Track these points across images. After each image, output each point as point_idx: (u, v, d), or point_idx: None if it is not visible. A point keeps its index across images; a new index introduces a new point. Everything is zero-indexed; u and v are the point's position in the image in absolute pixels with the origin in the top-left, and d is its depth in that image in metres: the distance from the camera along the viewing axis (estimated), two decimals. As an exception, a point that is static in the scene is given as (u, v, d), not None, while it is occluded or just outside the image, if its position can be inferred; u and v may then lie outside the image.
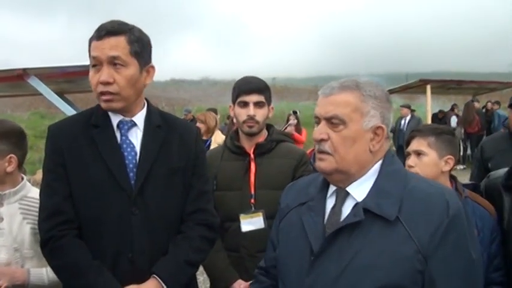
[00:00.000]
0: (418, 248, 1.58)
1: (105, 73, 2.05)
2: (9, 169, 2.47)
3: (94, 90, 2.11)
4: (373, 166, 1.75)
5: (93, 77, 2.08)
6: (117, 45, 2.05)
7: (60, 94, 8.58)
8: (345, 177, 1.74)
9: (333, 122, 1.70)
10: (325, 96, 1.74)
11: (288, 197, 2.00)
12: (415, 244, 1.58)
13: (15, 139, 2.51)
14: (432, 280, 1.59)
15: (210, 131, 7.37)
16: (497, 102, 16.45)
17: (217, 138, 7.41)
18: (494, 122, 15.29)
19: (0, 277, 2.31)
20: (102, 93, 2.07)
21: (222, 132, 8.51)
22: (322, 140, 1.72)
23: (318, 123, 1.76)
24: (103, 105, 2.12)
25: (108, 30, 2.05)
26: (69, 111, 7.26)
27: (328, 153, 1.72)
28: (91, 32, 2.14)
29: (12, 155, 2.47)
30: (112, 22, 2.10)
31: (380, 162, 1.76)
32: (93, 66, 2.08)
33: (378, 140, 1.72)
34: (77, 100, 11.38)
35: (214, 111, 11.14)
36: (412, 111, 16.02)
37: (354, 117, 1.69)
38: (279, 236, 1.95)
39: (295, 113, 9.35)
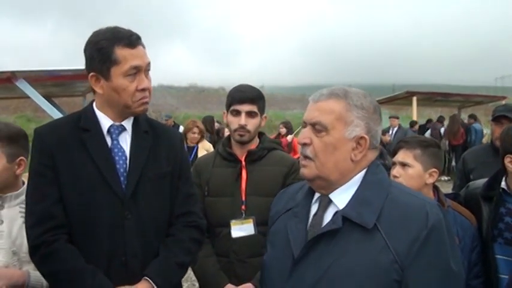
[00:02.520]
0: (395, 258, 1.59)
1: (146, 81, 2.13)
2: (18, 172, 2.47)
3: (129, 97, 2.12)
4: (356, 175, 1.76)
5: (130, 85, 2.10)
6: (146, 53, 2.15)
7: (48, 98, 8.55)
8: (326, 183, 1.76)
9: (317, 127, 1.74)
10: (314, 102, 1.78)
11: (277, 204, 2.04)
12: (392, 254, 1.59)
13: (23, 141, 2.52)
14: None
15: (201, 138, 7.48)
16: (473, 117, 16.51)
17: (205, 145, 7.55)
18: (471, 136, 15.40)
19: None
20: (143, 98, 2.14)
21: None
22: (305, 144, 1.76)
23: (305, 127, 1.80)
24: (140, 108, 2.17)
25: (139, 38, 2.12)
26: (57, 115, 7.23)
27: (309, 159, 1.75)
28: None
29: (22, 158, 2.47)
30: (129, 30, 2.14)
31: (364, 171, 1.78)
32: (130, 75, 2.09)
33: (361, 150, 1.73)
34: (63, 104, 11.33)
35: (211, 118, 11.18)
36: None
37: (336, 125, 1.72)
38: (267, 242, 1.99)
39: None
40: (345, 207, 1.71)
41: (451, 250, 1.66)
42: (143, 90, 2.12)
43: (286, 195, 2.03)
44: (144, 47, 2.16)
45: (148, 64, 2.15)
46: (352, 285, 1.61)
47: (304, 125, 1.81)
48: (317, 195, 1.83)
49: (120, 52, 2.06)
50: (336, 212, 1.72)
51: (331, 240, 1.67)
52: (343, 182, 1.76)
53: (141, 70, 2.11)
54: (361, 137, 1.73)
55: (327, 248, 1.67)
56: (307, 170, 1.77)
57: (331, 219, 1.71)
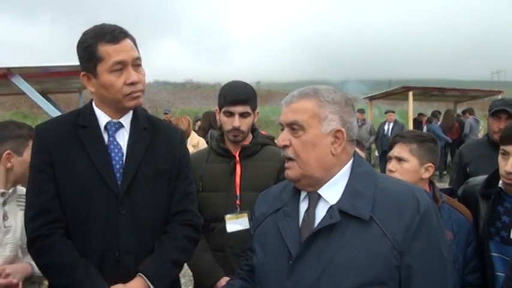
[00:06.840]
0: (393, 245, 1.65)
1: (134, 74, 2.10)
2: None
3: (117, 92, 2.11)
4: (341, 168, 1.81)
5: (117, 80, 2.09)
6: (133, 47, 2.12)
7: (44, 94, 8.51)
8: (312, 181, 1.80)
9: (293, 128, 1.79)
10: (287, 104, 1.83)
11: (262, 205, 2.06)
12: (390, 241, 1.65)
13: None
14: (408, 274, 1.66)
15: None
16: (468, 111, 16.51)
17: (193, 141, 7.55)
18: (466, 131, 15.40)
19: (15, 275, 2.40)
20: (132, 92, 2.12)
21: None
22: (285, 146, 1.81)
23: (283, 130, 1.84)
24: (132, 103, 2.15)
25: (123, 32, 2.09)
26: (53, 112, 7.19)
27: (292, 160, 1.79)
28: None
29: None
30: (114, 25, 2.12)
31: (349, 164, 1.83)
32: (115, 70, 2.08)
33: (339, 143, 1.78)
34: (59, 100, 11.29)
35: (213, 114, 11.13)
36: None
37: (312, 123, 1.76)
38: (254, 244, 1.99)
39: None
40: (339, 200, 1.75)
41: (441, 234, 1.75)
42: (132, 84, 2.11)
43: (270, 196, 2.05)
44: (133, 40, 2.15)
45: (137, 59, 2.12)
46: (355, 275, 1.65)
47: (282, 127, 1.84)
48: (304, 192, 1.87)
49: (103, 49, 2.07)
50: (331, 207, 1.74)
51: (328, 235, 1.71)
52: (328, 177, 1.80)
53: (127, 64, 2.09)
54: (338, 130, 1.77)
55: (325, 242, 1.70)
56: (291, 171, 1.81)
57: (328, 214, 1.73)
